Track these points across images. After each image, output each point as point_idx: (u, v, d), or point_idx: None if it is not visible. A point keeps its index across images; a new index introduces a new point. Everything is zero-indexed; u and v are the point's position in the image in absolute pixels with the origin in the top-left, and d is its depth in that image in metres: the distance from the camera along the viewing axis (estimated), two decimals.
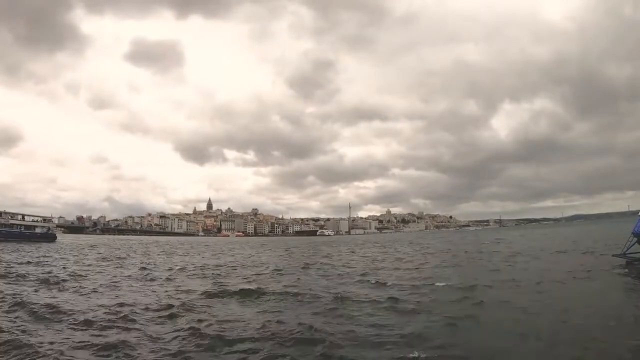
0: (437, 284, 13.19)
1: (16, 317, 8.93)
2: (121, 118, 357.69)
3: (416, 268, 19.20)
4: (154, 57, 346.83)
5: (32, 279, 15.18)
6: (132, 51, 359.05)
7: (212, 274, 18.08)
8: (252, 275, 17.63)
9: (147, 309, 9.85)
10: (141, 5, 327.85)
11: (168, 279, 16.04)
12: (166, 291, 12.83)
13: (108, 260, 25.15)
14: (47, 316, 8.96)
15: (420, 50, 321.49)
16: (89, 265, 22.00)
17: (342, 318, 8.94)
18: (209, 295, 12.06)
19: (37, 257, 25.72)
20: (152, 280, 15.67)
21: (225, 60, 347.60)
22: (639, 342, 6.53)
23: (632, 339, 6.74)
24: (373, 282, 14.24)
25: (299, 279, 15.96)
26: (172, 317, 9.08)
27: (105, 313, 9.27)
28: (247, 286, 13.61)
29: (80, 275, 16.48)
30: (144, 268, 20.37)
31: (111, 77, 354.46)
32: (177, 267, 21.17)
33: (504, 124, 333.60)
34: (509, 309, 9.30)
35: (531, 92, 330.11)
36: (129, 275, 16.97)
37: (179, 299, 11.30)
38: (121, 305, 10.14)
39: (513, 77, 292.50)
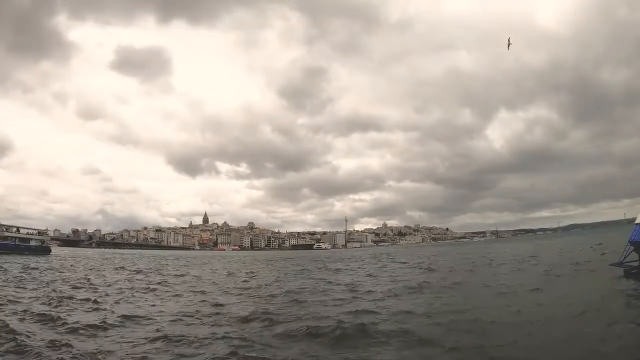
0: None
1: None
2: (111, 129, 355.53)
3: None
4: (139, 65, 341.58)
5: None
6: (117, 59, 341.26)
7: None
8: None
9: None
10: (123, 11, 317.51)
11: None
12: None
13: None
14: None
15: (413, 58, 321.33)
16: None
17: None
18: None
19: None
20: None
21: (212, 69, 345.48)
22: None
23: None
24: None
25: None
26: None
27: None
28: None
29: None
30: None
31: (98, 86, 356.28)
32: None
33: (499, 134, 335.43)
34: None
35: (527, 100, 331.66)
36: None
37: None
38: None
39: (508, 85, 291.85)
